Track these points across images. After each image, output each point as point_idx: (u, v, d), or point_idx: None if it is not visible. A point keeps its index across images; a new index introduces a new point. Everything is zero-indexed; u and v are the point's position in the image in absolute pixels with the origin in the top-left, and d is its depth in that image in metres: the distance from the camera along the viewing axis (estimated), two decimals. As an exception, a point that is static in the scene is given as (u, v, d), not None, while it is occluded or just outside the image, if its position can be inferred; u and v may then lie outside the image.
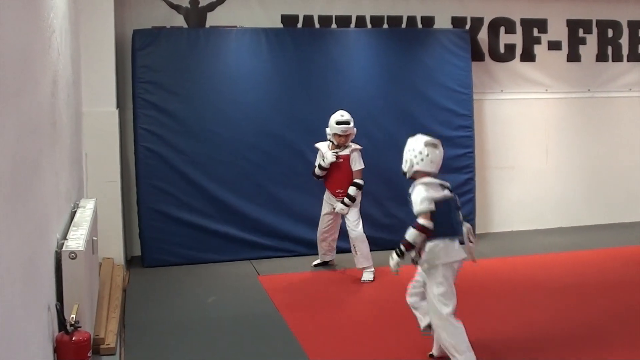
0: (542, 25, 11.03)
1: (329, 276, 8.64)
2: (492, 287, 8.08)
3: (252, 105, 9.45)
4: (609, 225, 11.34)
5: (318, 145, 8.66)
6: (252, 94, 9.47)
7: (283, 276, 8.67)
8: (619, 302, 7.34)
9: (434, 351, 5.94)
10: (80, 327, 4.52)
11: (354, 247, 8.48)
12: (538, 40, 11.04)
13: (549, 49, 11.10)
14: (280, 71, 9.57)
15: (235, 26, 9.65)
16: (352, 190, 8.43)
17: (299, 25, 10.06)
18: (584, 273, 8.61)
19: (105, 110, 8.64)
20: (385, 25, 10.35)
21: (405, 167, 5.88)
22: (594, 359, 5.80)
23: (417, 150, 5.82)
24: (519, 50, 10.97)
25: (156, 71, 9.15)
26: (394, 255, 5.78)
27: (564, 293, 7.77)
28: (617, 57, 11.43)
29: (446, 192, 5.79)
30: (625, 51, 11.46)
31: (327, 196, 8.69)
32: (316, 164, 8.63)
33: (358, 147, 8.57)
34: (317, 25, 10.11)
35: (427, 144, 5.81)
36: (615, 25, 11.38)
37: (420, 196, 5.63)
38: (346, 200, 8.44)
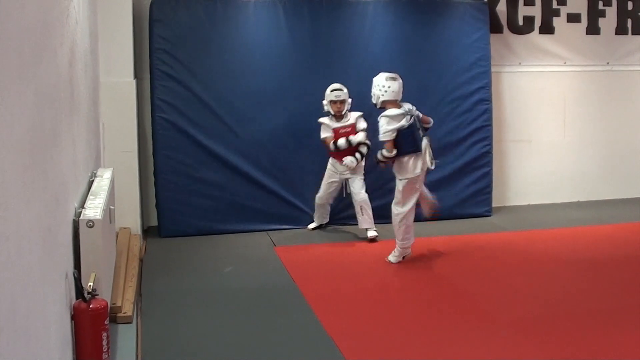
0: (561, -3, 10.95)
1: (345, 248, 8.66)
2: (508, 259, 8.08)
3: (269, 76, 9.44)
4: (626, 200, 11.31)
5: (321, 120, 8.99)
6: (269, 65, 9.46)
7: (299, 247, 8.70)
8: (636, 277, 7.33)
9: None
10: (97, 295, 4.54)
11: (361, 209, 8.85)
12: (557, 13, 10.95)
13: (568, 21, 11.01)
14: (297, 42, 9.55)
15: (253, -3, 9.63)
16: (361, 136, 8.85)
17: (317, -4, 10.02)
18: (601, 247, 8.59)
19: (123, 80, 8.65)
20: (404, -3, 10.29)
21: (374, 99, 7.67)
22: (609, 333, 5.80)
23: (381, 85, 7.59)
24: (537, 23, 10.89)
25: (173, 42, 9.14)
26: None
27: (580, 267, 7.77)
28: (637, 30, 11.32)
29: (406, 119, 7.47)
30: (645, 24, 11.37)
31: (333, 162, 9.05)
32: (326, 134, 8.95)
33: (359, 113, 8.93)
34: (335, -3, 10.07)
35: (387, 79, 7.58)
36: (636, -3, 11.29)
37: (383, 128, 7.45)
38: (357, 155, 8.78)
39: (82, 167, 5.62)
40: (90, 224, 4.76)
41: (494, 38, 10.38)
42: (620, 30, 11.27)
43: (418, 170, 7.54)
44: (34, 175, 3.22)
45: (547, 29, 10.94)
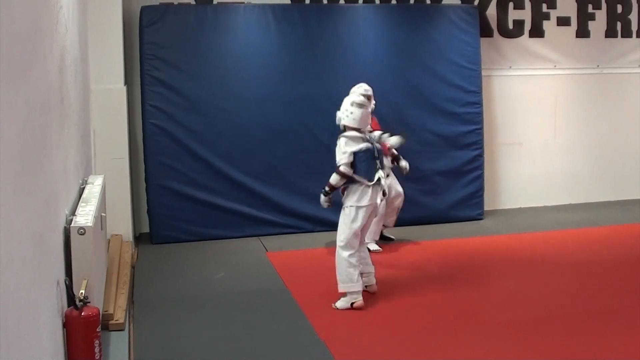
0: (551, 0, 10.96)
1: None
2: (500, 263, 8.09)
3: (260, 82, 9.44)
4: (617, 202, 11.33)
5: None
6: (259, 71, 9.45)
7: (291, 252, 8.69)
8: (628, 279, 7.35)
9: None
10: (89, 302, 4.54)
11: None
12: (547, 16, 10.98)
13: (557, 24, 11.04)
14: (288, 47, 9.55)
15: (243, 2, 9.64)
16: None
17: (307, 1, 10.01)
18: (593, 250, 8.61)
19: (113, 87, 8.63)
20: (394, 1, 10.29)
21: (337, 120, 6.86)
22: (602, 336, 5.81)
23: (344, 108, 6.84)
24: (527, 26, 10.92)
25: (164, 48, 9.14)
26: (322, 195, 6.85)
27: (572, 269, 7.78)
28: (627, 33, 11.36)
29: (364, 144, 6.70)
30: (634, 27, 11.38)
31: None
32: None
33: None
34: (325, 1, 10.06)
35: (353, 104, 6.83)
36: (625, 1, 11.30)
37: (341, 150, 6.69)
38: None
39: (73, 174, 5.61)
40: (82, 231, 4.75)
41: (484, 42, 10.40)
42: (610, 33, 11.30)
43: (365, 201, 6.70)
44: (24, 182, 3.21)
45: (537, 32, 10.97)
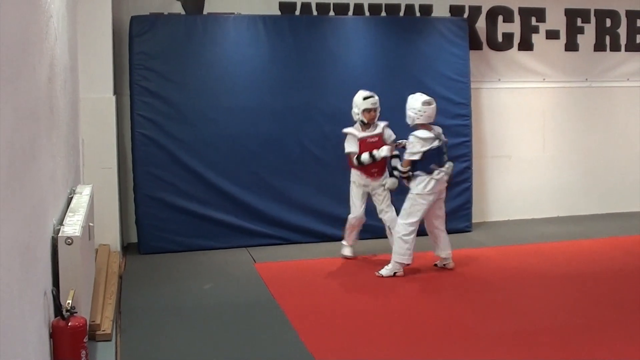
0: (540, 14, 11.01)
1: (326, 263, 8.63)
2: (488, 275, 8.09)
3: (249, 92, 9.44)
4: (605, 215, 11.36)
5: (347, 130, 8.49)
6: (249, 82, 9.46)
7: (279, 264, 8.68)
8: (616, 292, 7.36)
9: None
10: (76, 312, 4.51)
11: (389, 229, 8.49)
12: (536, 30, 11.02)
13: (547, 38, 11.08)
14: (277, 59, 9.55)
15: (233, 13, 9.65)
16: (396, 161, 8.33)
17: (297, 12, 10.04)
18: (581, 262, 8.62)
19: (102, 96, 8.62)
20: (383, 13, 10.33)
21: (409, 121, 7.96)
22: (590, 348, 5.81)
23: (415, 109, 7.90)
24: (516, 39, 10.96)
25: (153, 58, 9.13)
26: (394, 178, 8.25)
27: (560, 282, 7.79)
28: (615, 47, 11.42)
29: (435, 143, 7.90)
30: (623, 41, 11.44)
31: (360, 178, 8.48)
32: (352, 149, 8.40)
33: (385, 122, 8.49)
34: (314, 13, 10.09)
35: (423, 103, 7.88)
36: (614, 14, 11.36)
37: (415, 148, 7.86)
38: (396, 172, 8.25)
39: (61, 184, 5.59)
40: (69, 241, 4.73)
41: (473, 54, 10.43)
42: (599, 47, 11.36)
43: (429, 188, 7.88)
44: (12, 192, 3.19)
45: (526, 45, 11.01)
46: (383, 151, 8.26)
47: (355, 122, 8.48)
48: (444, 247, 8.24)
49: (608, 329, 6.24)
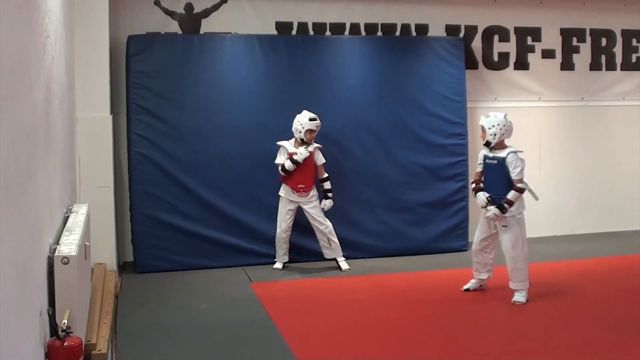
0: (536, 33, 11.06)
1: (323, 283, 8.63)
2: (484, 295, 8.08)
3: (245, 111, 9.46)
4: (602, 234, 11.35)
5: (281, 143, 9.02)
6: (245, 101, 9.48)
7: (276, 283, 8.67)
8: (613, 311, 7.35)
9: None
10: (72, 332, 4.49)
11: (329, 240, 9.01)
12: (532, 49, 11.07)
13: (542, 57, 11.13)
14: (274, 78, 9.58)
15: (230, 33, 9.68)
16: (328, 184, 9.06)
17: (293, 32, 10.07)
18: (577, 281, 8.61)
19: (99, 115, 8.61)
20: (379, 33, 10.37)
21: (492, 138, 7.55)
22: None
23: (500, 125, 7.53)
24: (512, 59, 11.00)
25: (150, 77, 9.15)
26: (499, 210, 7.52)
27: (556, 301, 7.78)
28: (611, 66, 11.46)
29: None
30: (618, 60, 11.49)
31: (287, 192, 9.03)
32: (281, 161, 8.95)
33: (318, 145, 9.03)
34: (311, 32, 10.12)
35: (506, 116, 7.58)
36: (609, 34, 11.41)
37: (521, 166, 7.60)
38: (330, 194, 9.02)
39: (57, 203, 5.59)
40: (65, 260, 4.72)
41: (469, 74, 10.46)
42: (595, 66, 11.40)
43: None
44: (8, 211, 3.19)
45: (522, 64, 11.05)
46: (302, 154, 8.83)
47: (292, 137, 9.00)
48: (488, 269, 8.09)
49: (605, 349, 6.24)
